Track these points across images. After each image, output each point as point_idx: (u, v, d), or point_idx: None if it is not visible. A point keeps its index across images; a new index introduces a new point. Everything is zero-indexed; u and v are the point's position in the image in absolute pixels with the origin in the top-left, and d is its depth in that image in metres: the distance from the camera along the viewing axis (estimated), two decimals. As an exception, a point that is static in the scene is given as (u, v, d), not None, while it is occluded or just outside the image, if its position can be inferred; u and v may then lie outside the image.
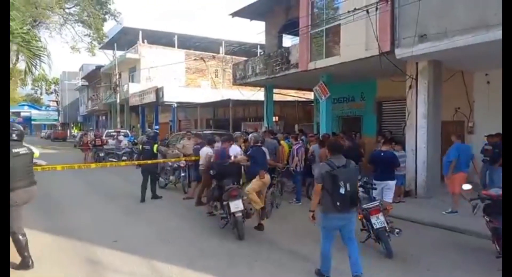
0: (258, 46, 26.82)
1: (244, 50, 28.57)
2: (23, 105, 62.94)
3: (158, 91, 20.90)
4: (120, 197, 9.07)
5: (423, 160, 8.34)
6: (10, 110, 33.75)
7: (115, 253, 5.16)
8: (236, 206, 5.83)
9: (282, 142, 9.23)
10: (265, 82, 13.62)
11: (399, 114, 11.03)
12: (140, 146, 10.05)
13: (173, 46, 26.97)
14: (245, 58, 16.40)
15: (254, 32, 17.98)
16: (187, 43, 27.69)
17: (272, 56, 12.44)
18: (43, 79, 47.33)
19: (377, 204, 5.25)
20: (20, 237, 4.40)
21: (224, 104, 17.50)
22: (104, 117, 36.76)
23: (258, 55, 20.25)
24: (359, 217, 5.29)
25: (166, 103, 20.94)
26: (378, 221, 5.05)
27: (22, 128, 4.60)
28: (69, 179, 11.88)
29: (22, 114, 59.86)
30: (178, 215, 7.33)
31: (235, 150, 7.32)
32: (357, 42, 8.87)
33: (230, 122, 16.13)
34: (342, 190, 3.80)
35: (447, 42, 7.13)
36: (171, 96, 20.63)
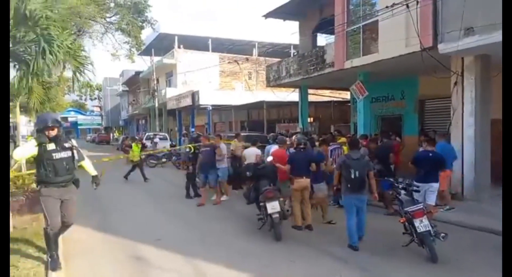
0: (292, 47, 26.67)
1: (277, 51, 28.54)
2: (70, 110, 66.72)
3: (194, 95, 21.36)
4: (162, 198, 9.34)
5: (471, 161, 7.85)
6: (60, 115, 36.07)
7: (159, 251, 5.31)
8: (273, 207, 5.80)
9: (317, 143, 9.09)
10: (299, 82, 13.48)
11: (443, 113, 10.46)
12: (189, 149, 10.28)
13: (207, 50, 27.49)
14: (278, 59, 16.36)
15: (287, 32, 17.89)
16: (220, 46, 28.11)
17: (306, 56, 12.30)
18: (88, 85, 49.92)
19: (421, 207, 5.00)
20: (50, 232, 4.39)
21: (258, 106, 17.55)
22: (143, 121, 38.14)
23: (292, 55, 20.13)
24: (401, 221, 5.08)
25: (201, 106, 21.36)
26: (422, 224, 4.81)
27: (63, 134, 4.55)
28: (115, 180, 12.39)
29: (69, 119, 63.49)
30: (216, 216, 7.40)
31: (269, 149, 7.31)
32: (396, 38, 8.54)
33: (265, 123, 16.13)
34: (352, 176, 5.17)
35: (496, 35, 6.67)
36: (206, 99, 21.01)
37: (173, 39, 26.50)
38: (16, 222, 6.23)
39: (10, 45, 5.90)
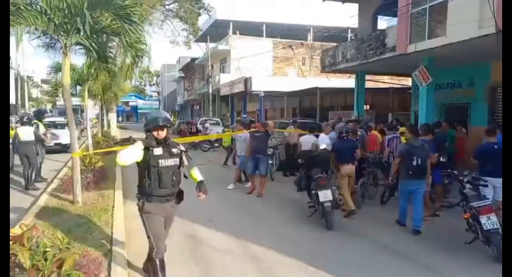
0: (349, 30, 25.59)
1: (333, 35, 27.58)
2: (131, 95, 70.93)
3: (246, 81, 21.49)
4: (215, 181, 9.58)
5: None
6: (121, 100, 38.39)
7: (210, 231, 5.52)
8: (325, 195, 5.72)
9: (373, 131, 8.73)
10: (356, 68, 12.94)
11: (519, 102, 9.41)
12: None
13: (261, 35, 27.37)
14: (334, 44, 15.78)
15: (345, 15, 17.12)
16: (275, 31, 27.79)
17: (365, 40, 11.72)
18: (147, 72, 52.49)
19: (489, 203, 4.62)
20: (157, 258, 3.67)
21: (311, 92, 17.20)
22: (198, 107, 39.38)
23: (349, 40, 19.33)
24: (465, 216, 4.75)
25: (254, 92, 21.45)
26: (489, 221, 4.45)
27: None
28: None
29: (130, 103, 67.63)
30: (267, 202, 7.46)
31: (323, 139, 7.15)
32: (468, 20, 7.78)
33: (317, 111, 15.81)
34: (414, 163, 5.41)
35: None
36: (259, 85, 21.03)
37: (228, 25, 26.74)
38: (85, 198, 6.81)
39: (85, 33, 6.32)
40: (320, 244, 5.04)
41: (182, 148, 3.70)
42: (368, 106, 16.40)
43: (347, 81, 15.42)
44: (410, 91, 13.90)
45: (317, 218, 5.94)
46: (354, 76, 14.06)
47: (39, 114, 10.86)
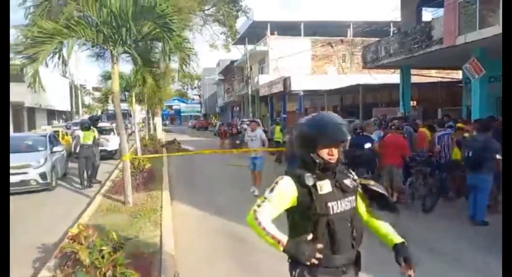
0: (391, 25, 24.63)
1: (374, 30, 26.67)
2: (174, 99, 73.43)
3: (285, 81, 21.41)
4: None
5: None
6: (166, 104, 39.87)
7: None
8: (371, 197, 5.53)
9: (422, 128, 8.33)
10: (401, 63, 12.42)
11: None
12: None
13: (299, 34, 27.14)
14: (376, 39, 15.26)
15: (386, 9, 16.52)
16: (313, 30, 27.43)
17: (409, 34, 11.21)
18: (189, 76, 54.06)
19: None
20: None
21: (352, 90, 16.75)
22: (238, 108, 39.90)
23: (391, 34, 18.58)
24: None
25: (293, 92, 21.31)
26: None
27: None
28: (213, 163, 13.28)
29: (173, 107, 70.10)
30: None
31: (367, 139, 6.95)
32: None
33: (360, 108, 15.36)
34: (465, 154, 5.71)
35: None
36: (298, 84, 20.86)
37: (266, 26, 26.82)
38: (135, 199, 7.15)
39: (130, 42, 6.66)
40: (366, 249, 4.89)
41: (355, 175, 2.09)
42: (414, 102, 15.66)
43: (392, 77, 14.84)
44: (461, 84, 13.08)
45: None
46: (398, 71, 13.50)
47: (93, 121, 11.69)
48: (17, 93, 23.14)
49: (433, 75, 16.35)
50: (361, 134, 6.85)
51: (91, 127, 9.98)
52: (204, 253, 4.85)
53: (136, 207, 6.80)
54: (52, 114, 34.83)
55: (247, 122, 22.25)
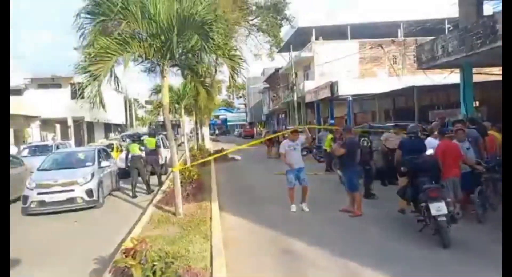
0: (446, 22, 23.10)
1: (427, 29, 25.20)
2: (221, 109, 75.08)
3: (332, 86, 20.81)
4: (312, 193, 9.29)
5: None
6: (213, 114, 40.80)
7: (308, 246, 5.25)
8: (438, 208, 5.01)
9: (491, 131, 7.50)
10: (460, 61, 11.41)
11: None
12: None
13: (346, 38, 26.42)
14: (430, 38, 14.27)
15: (440, 6, 15.42)
16: (360, 32, 26.55)
17: (470, 29, 10.26)
18: (234, 85, 55.03)
19: None
20: None
21: (405, 92, 15.79)
22: (283, 115, 39.68)
23: (447, 31, 17.35)
24: None
25: (340, 97, 20.64)
26: None
27: None
28: (260, 172, 13.14)
29: (220, 117, 71.65)
30: (367, 215, 6.83)
31: (432, 143, 6.37)
32: None
33: (416, 111, 14.40)
34: None
35: None
36: (346, 89, 20.17)
37: (311, 32, 26.46)
38: (185, 210, 7.15)
39: (178, 55, 6.77)
40: (432, 263, 4.39)
41: None
42: (477, 103, 14.35)
43: (450, 77, 13.75)
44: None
45: (428, 234, 5.23)
46: (457, 70, 12.45)
47: (138, 136, 12.37)
48: (78, 109, 25.02)
49: (496, 73, 14.92)
50: (413, 138, 6.48)
51: (140, 139, 10.90)
52: (255, 270, 4.64)
53: (186, 218, 6.79)
54: (108, 128, 37.13)
55: (290, 131, 21.95)
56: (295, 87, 27.68)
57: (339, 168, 8.17)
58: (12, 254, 5.62)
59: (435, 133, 6.85)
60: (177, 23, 6.32)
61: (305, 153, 16.68)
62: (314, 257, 4.87)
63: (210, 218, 6.73)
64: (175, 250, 4.81)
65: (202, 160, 12.58)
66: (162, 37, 6.52)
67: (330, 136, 12.56)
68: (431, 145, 6.40)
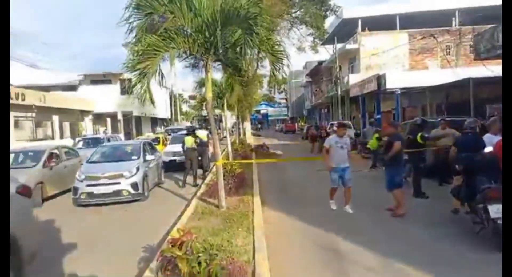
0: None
1: (484, 16, 23.32)
2: (262, 104, 75.32)
3: (379, 79, 19.99)
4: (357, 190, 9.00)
5: None
6: (254, 109, 40.99)
7: (353, 245, 5.09)
8: (498, 210, 4.60)
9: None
10: (525, 50, 10.42)
11: None
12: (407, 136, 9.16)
13: (394, 28, 25.21)
14: (488, 26, 13.17)
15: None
16: (410, 22, 25.19)
17: (537, 14, 9.31)
18: (275, 80, 54.88)
19: None
20: None
21: (460, 84, 14.73)
22: (326, 110, 38.92)
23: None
24: None
25: (388, 90, 19.77)
26: None
27: None
28: (302, 167, 12.98)
29: (261, 111, 71.88)
30: (416, 214, 6.50)
31: (491, 140, 5.88)
32: None
33: (471, 106, 13.41)
34: None
35: None
36: (394, 82, 19.28)
37: (356, 23, 25.57)
38: (227, 203, 7.24)
39: (221, 49, 6.80)
40: (489, 267, 4.05)
41: None
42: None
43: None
44: None
45: (484, 236, 4.85)
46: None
47: (192, 129, 12.92)
48: (127, 104, 26.34)
49: None
50: (470, 134, 6.15)
51: (194, 132, 11.44)
52: (298, 264, 4.59)
53: (229, 211, 6.88)
54: (154, 122, 38.73)
55: (337, 125, 21.42)
56: (339, 81, 26.98)
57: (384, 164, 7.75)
58: (67, 241, 6.07)
59: (494, 128, 6.28)
60: (221, 18, 6.34)
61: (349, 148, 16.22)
62: (359, 256, 4.70)
63: (252, 212, 6.75)
64: (218, 242, 4.88)
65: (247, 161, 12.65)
66: (206, 33, 6.58)
67: (376, 135, 12.08)
68: (490, 141, 5.91)
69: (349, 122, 22.92)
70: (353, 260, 4.59)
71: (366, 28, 25.69)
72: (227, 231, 5.60)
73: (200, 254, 3.87)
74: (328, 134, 18.54)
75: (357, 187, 7.41)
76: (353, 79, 24.97)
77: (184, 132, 17.61)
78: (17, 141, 16.54)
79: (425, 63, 23.63)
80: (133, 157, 9.59)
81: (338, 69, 27.44)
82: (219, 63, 8.30)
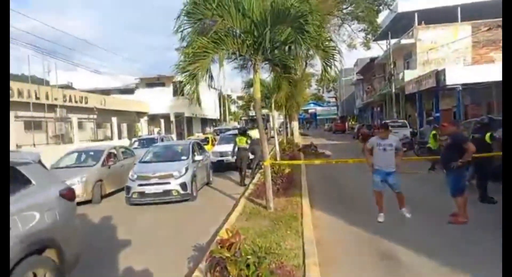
0: None
1: None
2: (310, 103, 74.28)
3: (438, 74, 18.66)
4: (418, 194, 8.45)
5: None
6: (302, 108, 40.45)
7: (408, 252, 4.73)
8: None
9: None
10: None
11: None
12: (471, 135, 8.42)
13: (455, 20, 23.44)
14: None
15: None
16: (474, 13, 23.25)
17: None
18: (326, 78, 53.84)
19: None
20: None
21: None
22: (378, 109, 37.33)
23: None
24: None
25: (448, 86, 18.40)
26: None
27: None
28: (354, 169, 12.46)
29: (309, 111, 70.96)
30: (484, 222, 5.90)
31: None
32: None
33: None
34: None
35: None
36: (455, 78, 17.88)
37: (412, 16, 24.17)
38: (275, 204, 7.13)
39: (270, 49, 6.71)
40: None
41: None
42: None
43: None
44: None
45: None
46: None
47: (243, 129, 13.21)
48: (179, 105, 27.37)
49: None
50: None
51: (245, 132, 11.73)
52: (351, 272, 4.34)
53: (277, 212, 6.77)
54: (204, 122, 39.85)
55: (391, 123, 20.39)
56: (393, 78, 25.71)
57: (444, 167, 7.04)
58: (121, 237, 6.35)
59: None
60: (271, 17, 6.26)
61: (405, 149, 15.39)
62: (417, 266, 4.34)
63: (301, 215, 6.58)
64: (267, 244, 4.79)
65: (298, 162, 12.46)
66: (255, 33, 6.53)
67: (433, 131, 11.29)
68: None
69: (405, 121, 21.71)
70: (412, 270, 4.25)
71: (422, 22, 24.20)
72: (276, 233, 5.50)
73: (249, 257, 3.80)
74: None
75: (414, 192, 6.94)
76: (409, 75, 23.64)
77: (232, 132, 18.03)
78: (80, 141, 17.85)
79: (491, 56, 21.67)
80: (183, 157, 9.72)
81: (392, 65, 26.16)
82: (266, 63, 8.24)
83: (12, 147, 14.23)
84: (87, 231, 6.52)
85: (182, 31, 6.64)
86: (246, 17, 6.50)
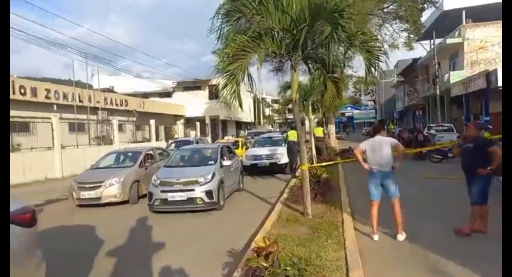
0: None
1: None
2: (347, 106, 72.48)
3: (489, 75, 17.37)
4: (452, 201, 7.76)
5: None
6: (339, 111, 39.42)
7: (459, 268, 4.23)
8: None
9: None
10: None
11: None
12: None
13: (506, 17, 21.80)
14: None
15: None
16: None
17: None
18: (362, 81, 52.31)
19: None
20: None
21: None
22: (420, 112, 35.58)
23: None
24: None
25: (500, 88, 17.05)
26: None
27: None
28: (403, 174, 11.75)
29: (346, 114, 69.17)
30: None
31: None
32: None
33: None
34: None
35: None
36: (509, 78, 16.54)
37: (459, 14, 22.78)
38: (313, 210, 6.76)
39: (310, 47, 6.40)
40: None
41: None
42: None
43: None
44: None
45: None
46: None
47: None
48: (214, 108, 27.60)
49: None
50: None
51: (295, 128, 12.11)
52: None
53: (315, 219, 6.41)
54: (239, 125, 40.00)
55: (435, 127, 19.23)
56: (437, 79, 24.33)
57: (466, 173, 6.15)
58: (155, 240, 6.25)
59: None
60: (310, 14, 5.98)
61: (451, 155, 14.42)
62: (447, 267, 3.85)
63: (342, 223, 6.17)
64: (306, 254, 4.47)
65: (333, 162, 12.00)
66: (294, 30, 6.27)
67: (487, 134, 10.40)
68: None
69: (451, 125, 20.39)
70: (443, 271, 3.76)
71: (469, 20, 22.72)
72: (315, 242, 5.15)
73: (288, 268, 3.51)
74: (425, 138, 16.74)
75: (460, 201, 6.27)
76: (456, 76, 22.27)
77: (266, 135, 18.04)
78: (120, 142, 18.40)
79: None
80: (210, 162, 8.97)
81: (436, 66, 24.77)
82: (303, 62, 7.94)
83: (57, 147, 14.92)
84: (122, 232, 6.49)
85: (219, 30, 6.50)
86: (285, 14, 6.25)
